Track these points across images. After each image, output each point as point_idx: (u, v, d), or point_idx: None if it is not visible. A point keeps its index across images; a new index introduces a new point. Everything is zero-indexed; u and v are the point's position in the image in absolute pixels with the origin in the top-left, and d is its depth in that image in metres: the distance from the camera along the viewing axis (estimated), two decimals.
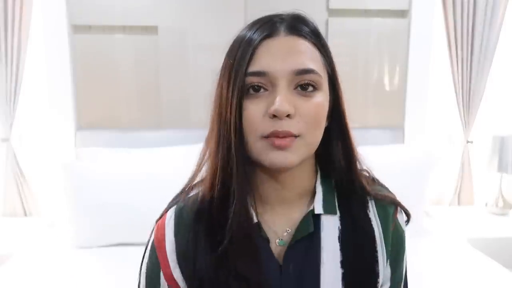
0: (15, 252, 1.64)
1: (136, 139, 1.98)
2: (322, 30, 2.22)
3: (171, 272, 0.60)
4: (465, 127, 2.17)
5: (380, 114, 2.13)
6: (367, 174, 0.67)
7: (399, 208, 0.66)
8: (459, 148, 2.22)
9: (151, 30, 1.97)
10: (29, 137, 2.05)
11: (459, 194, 2.24)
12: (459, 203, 2.24)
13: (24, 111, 2.01)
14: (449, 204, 2.25)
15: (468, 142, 2.18)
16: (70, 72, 1.96)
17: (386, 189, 0.68)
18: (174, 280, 0.60)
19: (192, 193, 0.64)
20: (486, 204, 2.17)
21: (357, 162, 0.63)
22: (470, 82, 2.11)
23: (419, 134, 2.15)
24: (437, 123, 2.23)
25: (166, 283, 0.61)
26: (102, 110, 2.01)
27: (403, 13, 2.08)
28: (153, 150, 1.85)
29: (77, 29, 1.95)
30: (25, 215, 2.04)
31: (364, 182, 0.63)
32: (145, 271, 0.64)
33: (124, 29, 1.97)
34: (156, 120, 2.03)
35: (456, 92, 2.13)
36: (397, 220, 0.65)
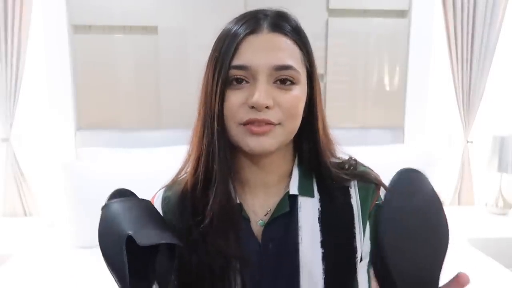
0: (15, 252, 1.64)
1: (136, 139, 1.98)
2: (322, 30, 2.22)
3: None
4: (465, 127, 2.17)
5: (380, 114, 2.13)
6: (348, 160, 0.69)
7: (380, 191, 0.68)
8: (459, 148, 2.22)
9: (151, 30, 1.97)
10: (29, 137, 2.05)
11: (459, 194, 2.24)
12: (459, 203, 2.24)
13: (24, 111, 2.01)
14: (449, 204, 2.25)
15: (468, 142, 2.18)
16: (70, 72, 1.96)
17: (371, 170, 0.70)
18: None
19: (179, 179, 0.68)
20: (486, 204, 2.17)
21: (328, 151, 0.66)
22: (470, 82, 2.11)
23: (419, 134, 2.15)
24: (437, 123, 2.22)
25: None
26: (102, 110, 2.01)
27: (403, 13, 2.08)
28: (153, 150, 1.85)
29: (77, 29, 1.95)
30: (25, 215, 2.04)
31: (334, 169, 0.66)
32: None
33: (124, 29, 1.97)
34: (156, 120, 2.03)
35: (456, 92, 2.13)
36: (380, 196, 0.67)
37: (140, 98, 2.02)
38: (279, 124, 0.58)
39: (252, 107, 0.56)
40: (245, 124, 0.57)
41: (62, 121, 1.98)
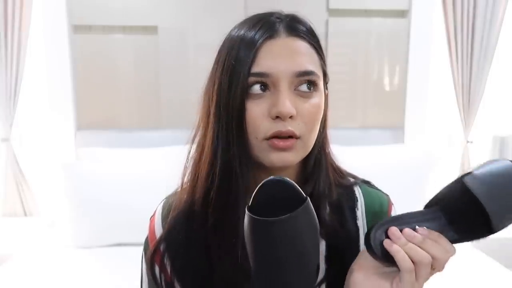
0: (15, 252, 1.64)
1: (136, 139, 1.98)
2: (322, 30, 2.22)
3: (161, 259, 0.62)
4: (465, 127, 2.16)
5: (380, 114, 2.13)
6: (352, 174, 0.69)
7: (392, 206, 0.67)
8: (459, 148, 2.22)
9: (151, 30, 1.97)
10: (29, 137, 2.05)
11: None
12: None
13: (24, 111, 2.01)
14: None
15: (468, 142, 2.18)
16: (70, 72, 1.96)
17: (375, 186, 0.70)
18: (165, 267, 0.62)
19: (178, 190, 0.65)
20: None
21: (331, 166, 0.64)
22: (470, 82, 2.11)
23: (419, 134, 2.15)
24: (437, 123, 2.22)
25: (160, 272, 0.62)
26: (102, 110, 2.01)
27: (403, 13, 2.08)
28: (153, 150, 1.86)
29: (77, 29, 1.95)
30: (25, 215, 2.04)
31: (333, 186, 0.63)
32: (143, 263, 0.65)
33: (124, 29, 1.97)
34: (156, 120, 2.03)
35: (456, 92, 2.13)
36: (391, 216, 0.65)
37: (140, 98, 2.02)
38: (300, 138, 0.55)
39: (277, 117, 0.53)
40: (270, 137, 0.54)
41: (62, 121, 1.98)
